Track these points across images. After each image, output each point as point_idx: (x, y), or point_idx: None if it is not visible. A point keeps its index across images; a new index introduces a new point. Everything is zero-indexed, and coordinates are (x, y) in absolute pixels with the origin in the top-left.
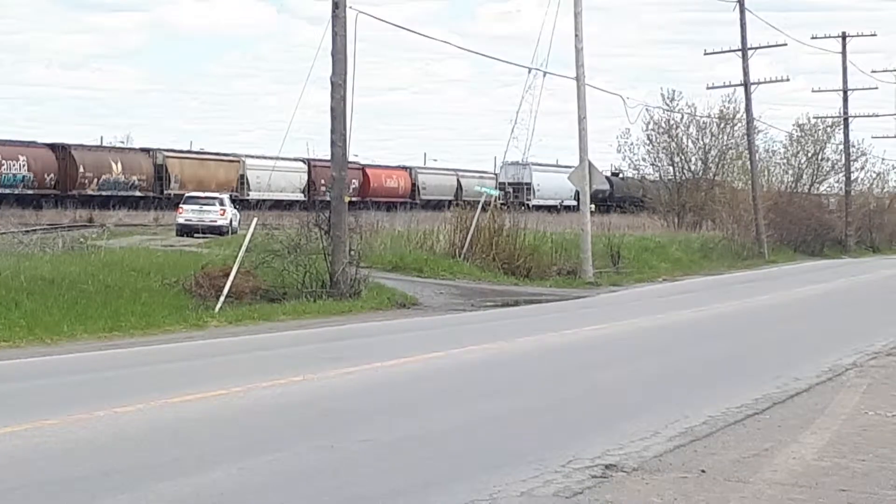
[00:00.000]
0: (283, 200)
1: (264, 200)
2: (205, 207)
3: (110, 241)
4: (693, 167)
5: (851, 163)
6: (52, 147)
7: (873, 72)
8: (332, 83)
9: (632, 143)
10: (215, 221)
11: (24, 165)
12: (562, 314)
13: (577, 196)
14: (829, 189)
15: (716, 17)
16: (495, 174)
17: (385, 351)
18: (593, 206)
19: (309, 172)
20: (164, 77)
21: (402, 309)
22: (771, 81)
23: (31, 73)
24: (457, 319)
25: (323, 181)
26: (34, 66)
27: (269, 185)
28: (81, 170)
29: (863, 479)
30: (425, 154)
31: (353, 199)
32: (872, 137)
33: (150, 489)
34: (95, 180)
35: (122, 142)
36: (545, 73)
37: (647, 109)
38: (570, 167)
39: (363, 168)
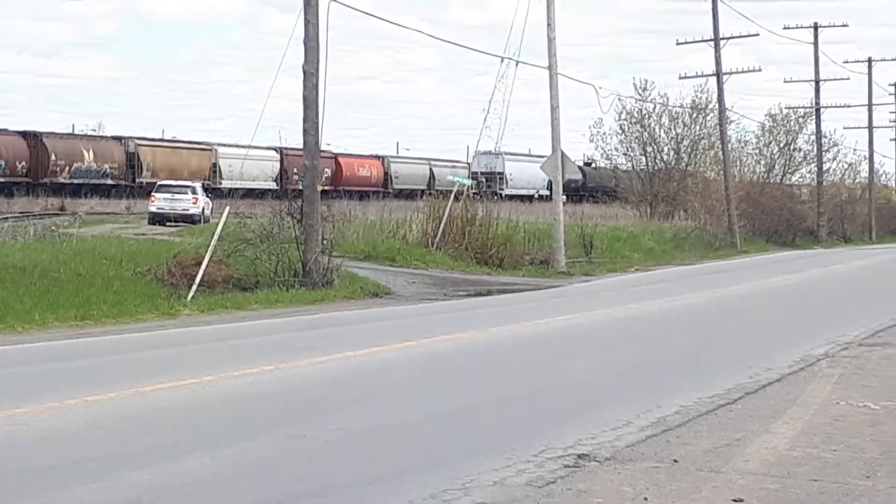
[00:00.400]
0: (255, 189)
1: (237, 189)
2: (177, 196)
3: (82, 229)
4: (665, 157)
5: (823, 153)
6: (24, 134)
7: (845, 62)
8: (305, 71)
9: (604, 133)
10: (187, 210)
11: None
12: (534, 304)
13: (549, 186)
14: (801, 179)
15: (688, 7)
16: (468, 163)
17: (357, 340)
18: (566, 196)
19: (281, 161)
20: (136, 65)
21: (374, 298)
22: (743, 72)
23: (2, 61)
24: (429, 309)
25: (296, 170)
26: (5, 53)
27: (242, 173)
28: (53, 157)
29: (834, 468)
30: (398, 143)
31: (326, 187)
32: (844, 128)
33: (122, 477)
34: (67, 168)
35: (94, 130)
36: (517, 63)
37: (619, 99)
38: (542, 157)
39: (336, 157)
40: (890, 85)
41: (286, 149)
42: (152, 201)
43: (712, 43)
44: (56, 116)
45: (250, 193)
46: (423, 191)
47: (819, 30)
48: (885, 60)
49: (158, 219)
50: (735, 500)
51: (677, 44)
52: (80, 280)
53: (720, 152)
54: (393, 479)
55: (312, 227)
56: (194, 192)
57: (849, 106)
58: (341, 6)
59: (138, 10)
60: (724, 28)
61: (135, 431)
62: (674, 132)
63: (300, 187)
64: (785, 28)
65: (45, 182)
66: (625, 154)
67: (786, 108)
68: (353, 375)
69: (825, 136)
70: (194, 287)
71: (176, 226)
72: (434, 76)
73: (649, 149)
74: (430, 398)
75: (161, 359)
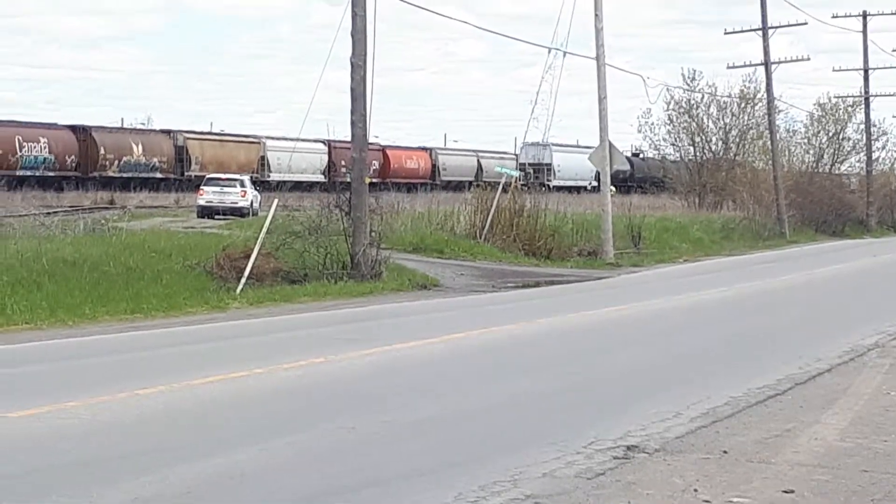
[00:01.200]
0: (303, 182)
1: (285, 182)
2: (225, 189)
3: (131, 222)
4: (714, 147)
5: (872, 142)
6: (73, 129)
7: (894, 51)
8: (352, 64)
9: (652, 124)
10: (236, 203)
11: (45, 147)
12: (582, 295)
13: (597, 177)
14: (850, 169)
15: None
16: (515, 155)
17: (406, 332)
18: (613, 186)
19: (329, 154)
20: (181, 59)
21: (422, 290)
22: (791, 61)
23: (47, 55)
24: (478, 300)
25: (343, 162)
26: (49, 48)
27: (290, 166)
28: (102, 151)
29: (885, 459)
30: (445, 135)
31: (374, 180)
32: (893, 117)
33: (171, 470)
34: (116, 162)
35: (143, 123)
36: (565, 53)
37: (667, 89)
38: (590, 148)
39: (383, 149)
40: None
41: (334, 141)
42: (201, 194)
43: (760, 32)
44: (103, 111)
45: (298, 186)
46: (470, 182)
47: (868, 18)
48: None
49: (207, 212)
50: (786, 492)
51: (725, 33)
52: (130, 274)
53: (768, 142)
54: (441, 471)
55: (360, 220)
56: (243, 185)
57: None
58: None
59: (184, 4)
60: (772, 17)
61: (184, 424)
62: (722, 122)
63: (348, 180)
64: (833, 17)
65: (95, 176)
66: (673, 144)
67: (835, 97)
68: (401, 367)
69: (874, 125)
70: (243, 280)
71: (224, 219)
72: (481, 67)
73: (697, 139)
74: (479, 390)
75: (210, 352)
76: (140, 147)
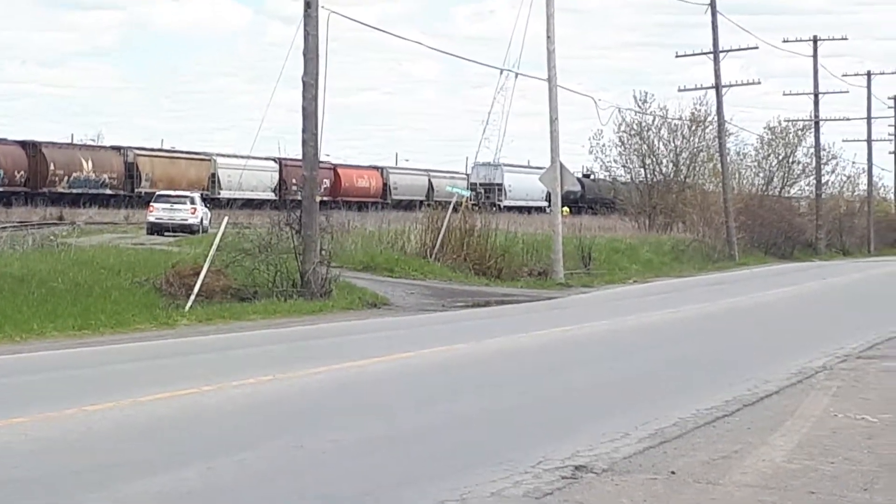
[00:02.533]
0: (254, 199)
1: (235, 199)
2: (175, 206)
3: (80, 238)
4: (664, 169)
5: (822, 166)
6: (23, 144)
7: (844, 75)
8: (304, 83)
9: (603, 145)
10: (186, 220)
11: None
12: (532, 315)
13: (548, 197)
14: (799, 192)
15: (688, 20)
16: (467, 175)
17: (355, 351)
18: (567, 208)
19: (280, 171)
20: (138, 76)
21: (372, 309)
22: (742, 84)
23: (7, 71)
24: (427, 319)
25: (294, 180)
26: (10, 64)
27: (241, 183)
28: (52, 167)
29: (832, 481)
30: (397, 154)
31: (325, 198)
32: (843, 141)
33: (118, 488)
34: (66, 178)
35: (93, 140)
36: (517, 75)
37: (619, 111)
38: (541, 168)
39: (335, 168)
40: (889, 98)
41: (285, 159)
42: (151, 211)
43: (712, 56)
44: (56, 126)
45: (249, 204)
46: (421, 202)
47: (818, 43)
48: (884, 74)
49: (157, 229)
50: None
51: (677, 56)
52: (79, 290)
53: (719, 164)
54: (390, 490)
55: (311, 238)
56: (193, 203)
57: (848, 119)
58: (342, 17)
59: (141, 21)
60: (723, 41)
61: (133, 442)
62: (673, 144)
63: (299, 198)
64: (784, 41)
65: (44, 192)
66: (624, 166)
67: (785, 120)
68: (350, 386)
69: (824, 149)
70: (192, 297)
71: (174, 236)
72: (434, 87)
73: (648, 161)
74: (427, 409)
75: (159, 369)
76: (90, 163)
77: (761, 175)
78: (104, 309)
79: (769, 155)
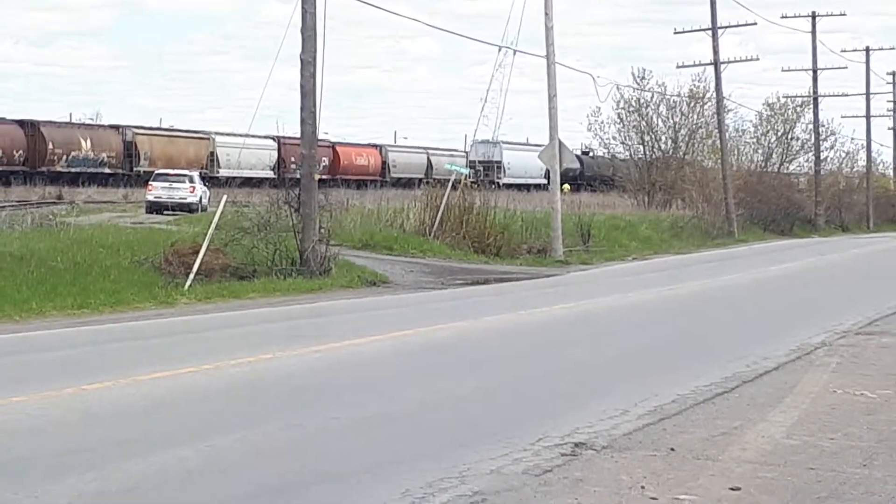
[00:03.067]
0: (253, 178)
1: (234, 178)
2: (174, 185)
3: (79, 217)
4: (663, 146)
5: (821, 142)
6: (21, 123)
7: (843, 51)
8: (302, 61)
9: (602, 122)
10: (185, 199)
11: None
12: (531, 292)
13: (547, 175)
14: (798, 168)
15: None
16: (466, 152)
17: (354, 329)
18: (567, 185)
19: (279, 150)
20: (132, 55)
21: (371, 287)
22: (741, 61)
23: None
24: (426, 297)
25: (293, 159)
26: (2, 44)
27: (239, 162)
28: (51, 146)
29: (831, 457)
30: (395, 132)
31: (323, 176)
32: (842, 117)
33: (117, 467)
34: (65, 157)
35: (92, 119)
36: (515, 52)
37: (617, 88)
38: (540, 146)
39: (333, 146)
40: (888, 74)
41: (284, 138)
42: (150, 190)
43: (710, 32)
44: (53, 106)
45: (248, 182)
46: (420, 180)
47: (817, 19)
48: (882, 49)
49: (156, 207)
50: (732, 489)
51: (675, 33)
52: (78, 269)
53: (718, 141)
54: (389, 467)
55: (310, 216)
56: (192, 181)
57: (846, 95)
58: None
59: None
60: (722, 17)
61: (131, 420)
62: (671, 121)
63: (297, 176)
64: (783, 17)
65: (43, 171)
66: (622, 143)
67: (783, 97)
68: (349, 364)
69: (823, 125)
70: (191, 276)
71: (173, 214)
72: (432, 65)
73: (647, 138)
74: (427, 387)
75: (158, 348)
76: (89, 142)
77: (760, 151)
78: (103, 288)
79: (768, 131)
